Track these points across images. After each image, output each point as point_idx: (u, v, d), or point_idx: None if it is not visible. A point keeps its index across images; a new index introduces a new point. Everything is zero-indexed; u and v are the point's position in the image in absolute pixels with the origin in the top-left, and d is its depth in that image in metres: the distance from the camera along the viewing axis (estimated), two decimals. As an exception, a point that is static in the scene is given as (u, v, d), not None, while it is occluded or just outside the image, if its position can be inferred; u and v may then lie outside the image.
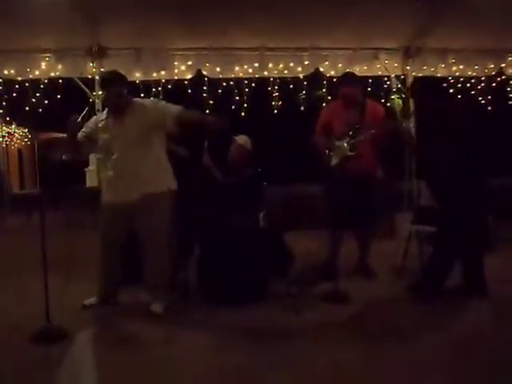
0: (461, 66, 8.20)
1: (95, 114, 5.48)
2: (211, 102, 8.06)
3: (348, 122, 5.72)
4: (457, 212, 5.02)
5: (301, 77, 7.96)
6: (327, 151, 5.82)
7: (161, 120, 4.93)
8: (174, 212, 5.02)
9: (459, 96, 8.68)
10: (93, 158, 7.02)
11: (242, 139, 6.00)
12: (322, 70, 7.88)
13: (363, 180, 5.76)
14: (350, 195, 5.56)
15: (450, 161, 4.98)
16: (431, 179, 5.42)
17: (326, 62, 7.72)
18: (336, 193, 5.67)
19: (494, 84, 8.68)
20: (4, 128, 17.99)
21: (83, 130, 4.98)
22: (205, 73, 7.68)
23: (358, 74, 7.86)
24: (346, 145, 5.73)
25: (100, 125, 4.96)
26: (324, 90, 8.07)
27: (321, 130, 6.02)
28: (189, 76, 7.70)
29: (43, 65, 7.25)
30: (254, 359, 3.88)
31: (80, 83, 7.42)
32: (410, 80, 8.14)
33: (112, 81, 4.97)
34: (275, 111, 8.37)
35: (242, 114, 8.18)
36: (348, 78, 6.12)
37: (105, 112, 5.04)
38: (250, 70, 7.81)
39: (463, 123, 5.03)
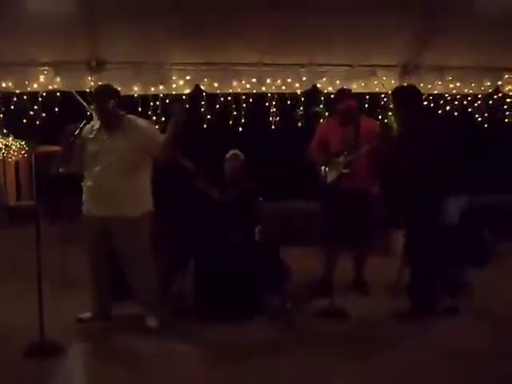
0: (458, 84, 8.22)
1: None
2: (209, 116, 8.08)
3: (344, 139, 5.72)
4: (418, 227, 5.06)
5: (299, 93, 7.98)
6: (322, 168, 5.84)
7: (149, 147, 4.93)
8: (150, 231, 5.03)
9: (455, 113, 8.73)
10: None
11: (234, 151, 6.14)
12: (319, 86, 7.89)
13: (359, 197, 5.79)
14: (345, 212, 5.56)
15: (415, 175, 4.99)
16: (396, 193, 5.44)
17: (324, 79, 7.73)
18: (332, 210, 5.64)
19: (490, 101, 8.71)
20: (1, 140, 18.00)
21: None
22: (203, 88, 7.69)
23: (356, 90, 7.92)
24: (341, 162, 5.74)
25: (91, 135, 4.96)
26: (321, 106, 8.09)
27: (317, 147, 6.04)
28: (187, 91, 7.71)
29: (41, 78, 7.24)
30: (249, 374, 3.87)
31: (78, 97, 7.42)
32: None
33: (99, 95, 4.99)
34: (273, 127, 8.39)
35: (240, 129, 8.18)
36: (345, 94, 6.16)
37: (98, 123, 5.03)
38: (248, 86, 7.81)
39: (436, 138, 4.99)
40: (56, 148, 5.18)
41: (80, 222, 5.10)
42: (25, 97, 7.47)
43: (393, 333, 4.72)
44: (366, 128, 5.81)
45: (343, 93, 6.23)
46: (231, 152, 6.21)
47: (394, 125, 5.75)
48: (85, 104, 7.34)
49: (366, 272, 6.20)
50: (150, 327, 4.90)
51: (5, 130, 13.47)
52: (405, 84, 6.97)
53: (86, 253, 5.11)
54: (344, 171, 5.71)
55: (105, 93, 5.01)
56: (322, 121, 7.53)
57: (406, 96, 5.31)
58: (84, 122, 4.86)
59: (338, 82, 7.78)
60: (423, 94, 5.79)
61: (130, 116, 5.16)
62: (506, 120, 9.03)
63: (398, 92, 5.53)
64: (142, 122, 5.17)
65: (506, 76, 8.26)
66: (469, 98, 8.73)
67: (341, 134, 5.81)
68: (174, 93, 7.77)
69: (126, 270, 5.00)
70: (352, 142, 5.69)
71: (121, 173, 4.84)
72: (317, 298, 5.66)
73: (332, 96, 7.10)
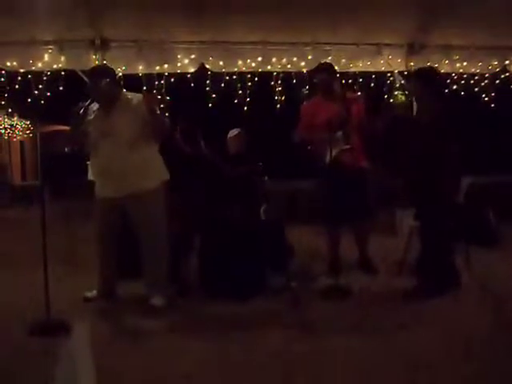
0: (464, 63, 8.16)
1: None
2: (214, 95, 8.04)
3: (333, 115, 5.65)
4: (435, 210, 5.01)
5: (304, 71, 7.93)
6: (319, 147, 5.75)
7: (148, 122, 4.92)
8: (166, 203, 5.03)
9: (462, 93, 8.67)
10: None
11: (236, 130, 6.21)
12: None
13: (356, 172, 5.75)
14: (345, 189, 5.52)
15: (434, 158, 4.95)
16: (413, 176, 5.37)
17: (330, 57, 7.69)
18: (331, 187, 5.58)
19: (497, 81, 8.65)
20: (6, 120, 18.02)
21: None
22: (208, 66, 7.65)
23: (361, 69, 7.89)
24: (340, 138, 5.68)
25: (91, 117, 4.93)
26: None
27: (305, 127, 5.95)
28: (192, 70, 7.67)
29: (46, 57, 7.22)
30: (253, 352, 3.89)
31: (82, 75, 7.40)
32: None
33: (94, 75, 4.97)
34: (278, 106, 8.35)
35: (245, 108, 8.15)
36: (322, 68, 6.11)
37: (95, 105, 4.99)
38: (254, 65, 7.78)
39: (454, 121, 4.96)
40: (61, 127, 5.18)
41: (84, 201, 5.10)
42: (29, 76, 7.45)
43: (397, 311, 4.73)
44: (352, 103, 5.77)
45: (321, 67, 6.17)
46: (233, 131, 6.21)
47: (401, 103, 5.71)
48: (88, 86, 7.31)
49: (371, 250, 6.19)
50: (155, 306, 4.91)
51: (10, 110, 13.46)
52: (426, 65, 6.88)
53: (97, 234, 5.12)
54: (346, 147, 5.67)
55: (99, 73, 5.02)
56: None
57: (430, 78, 5.22)
58: (89, 101, 4.84)
59: (343, 60, 7.73)
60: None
61: (129, 93, 5.16)
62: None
63: (423, 74, 5.38)
64: (139, 97, 5.18)
65: (514, 55, 8.21)
66: (476, 78, 8.66)
67: (327, 110, 5.71)
68: (178, 71, 7.74)
69: (139, 246, 5.00)
70: (342, 118, 5.63)
71: (127, 150, 4.82)
72: (321, 277, 5.68)
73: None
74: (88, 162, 6.61)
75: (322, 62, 6.79)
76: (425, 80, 5.17)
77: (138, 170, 4.87)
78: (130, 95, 5.10)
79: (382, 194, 6.20)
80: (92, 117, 4.93)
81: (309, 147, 5.90)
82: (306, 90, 8.01)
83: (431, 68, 5.54)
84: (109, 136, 4.83)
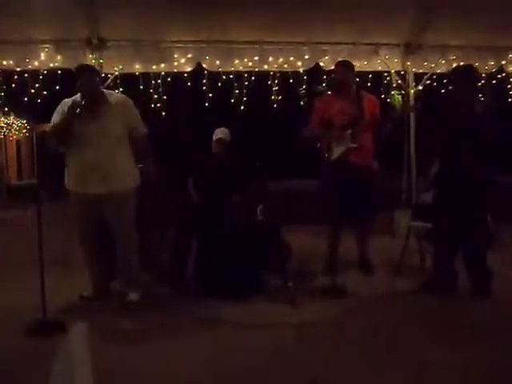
0: (461, 63, 8.16)
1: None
2: (210, 95, 8.03)
3: (346, 112, 5.65)
4: (456, 209, 5.01)
5: (301, 71, 7.92)
6: (326, 144, 5.76)
7: (131, 124, 5.03)
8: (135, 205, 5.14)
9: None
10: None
11: (219, 130, 6.07)
12: (322, 64, 7.84)
13: (363, 172, 5.74)
14: (350, 188, 5.51)
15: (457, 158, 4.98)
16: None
17: (327, 57, 7.69)
18: (337, 186, 5.53)
19: (494, 81, 8.66)
20: (2, 119, 17.96)
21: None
22: (204, 66, 7.65)
23: (358, 69, 7.87)
24: (348, 136, 5.67)
25: (77, 111, 4.87)
26: (324, 85, 8.02)
27: (317, 123, 5.94)
28: (188, 69, 7.66)
29: (42, 55, 7.21)
30: (249, 353, 3.89)
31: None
32: (410, 76, 8.15)
33: (83, 73, 4.97)
34: (275, 105, 8.34)
35: (242, 107, 8.14)
36: (340, 65, 6.09)
37: (79, 98, 4.95)
38: (250, 64, 7.77)
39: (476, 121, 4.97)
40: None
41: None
42: (26, 75, 7.43)
43: (394, 311, 4.73)
44: (367, 102, 5.78)
45: (339, 64, 6.13)
46: (218, 135, 6.05)
47: (398, 103, 5.71)
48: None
49: (370, 251, 6.19)
50: (131, 301, 5.02)
51: (6, 109, 13.42)
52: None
53: (77, 231, 5.15)
54: (352, 146, 5.65)
55: (86, 70, 5.05)
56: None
57: (468, 75, 5.24)
58: (84, 100, 4.82)
59: (340, 59, 7.71)
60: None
61: (110, 91, 5.27)
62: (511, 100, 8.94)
63: (462, 71, 5.40)
64: (123, 96, 5.31)
65: (510, 55, 8.22)
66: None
67: (340, 108, 5.73)
68: (175, 71, 7.73)
69: (116, 244, 5.10)
70: (355, 116, 5.63)
71: (111, 148, 4.89)
72: (319, 277, 5.67)
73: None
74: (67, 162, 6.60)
75: (340, 59, 6.75)
76: (462, 76, 5.22)
77: (117, 172, 4.94)
78: (113, 93, 5.22)
79: (381, 194, 6.18)
80: (77, 113, 4.89)
81: (318, 145, 5.89)
82: (302, 89, 8.00)
83: (467, 65, 5.57)
84: (93, 134, 4.85)
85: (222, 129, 6.11)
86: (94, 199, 4.92)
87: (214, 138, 6.04)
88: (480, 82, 5.56)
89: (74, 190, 5.05)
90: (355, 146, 5.63)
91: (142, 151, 5.17)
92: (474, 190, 5.01)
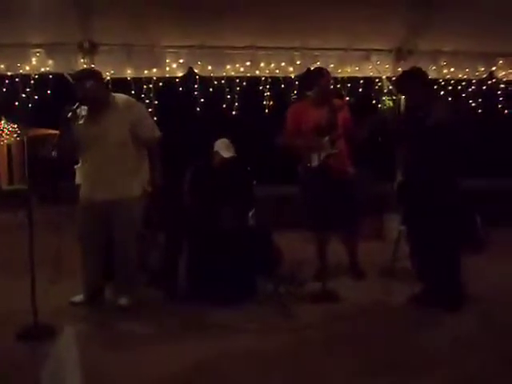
0: (452, 69, 8.21)
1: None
2: (202, 100, 8.04)
3: (321, 120, 5.65)
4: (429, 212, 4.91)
5: (292, 76, 7.94)
6: (305, 152, 5.75)
7: (137, 127, 4.99)
8: (143, 211, 5.13)
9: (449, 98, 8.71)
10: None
11: (223, 144, 5.96)
12: (311, 70, 7.85)
13: (342, 178, 5.77)
14: (330, 195, 5.47)
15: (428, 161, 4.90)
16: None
17: (318, 63, 7.70)
18: (316, 193, 5.52)
19: (484, 87, 8.71)
20: (-7, 123, 17.91)
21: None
22: (196, 71, 7.66)
23: (350, 74, 7.91)
24: (326, 142, 5.67)
25: (80, 120, 4.92)
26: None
27: (293, 130, 5.92)
28: (180, 74, 7.67)
29: (34, 60, 7.19)
30: (241, 357, 3.89)
31: (70, 79, 7.36)
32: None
33: (84, 76, 4.96)
34: (266, 110, 8.35)
35: (233, 112, 8.15)
36: (319, 72, 6.11)
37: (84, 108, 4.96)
38: (242, 69, 7.78)
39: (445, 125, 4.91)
40: (48, 131, 5.16)
41: (73, 205, 5.10)
42: (17, 79, 7.41)
43: (385, 316, 4.75)
44: (339, 107, 5.80)
45: (325, 73, 6.09)
46: (220, 151, 5.93)
47: (389, 109, 5.73)
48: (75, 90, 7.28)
49: (360, 256, 6.20)
50: (122, 305, 5.01)
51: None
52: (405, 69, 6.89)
53: (78, 237, 5.13)
54: (334, 151, 5.65)
55: (85, 75, 5.03)
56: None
57: (416, 76, 5.21)
58: (77, 104, 4.82)
59: (332, 65, 7.75)
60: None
61: (117, 94, 5.17)
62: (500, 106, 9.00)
63: (407, 75, 5.35)
64: (130, 99, 5.22)
65: (500, 61, 8.27)
66: (463, 84, 8.71)
67: (316, 115, 5.71)
68: (167, 76, 7.73)
69: (115, 248, 5.07)
70: (330, 122, 5.62)
71: (117, 154, 4.86)
72: (309, 282, 5.68)
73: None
74: (76, 166, 6.62)
75: (318, 67, 6.78)
76: (408, 79, 5.20)
77: (124, 178, 4.92)
78: (120, 96, 5.13)
79: (369, 199, 6.20)
80: (81, 121, 4.91)
81: (295, 151, 5.89)
82: (294, 94, 8.02)
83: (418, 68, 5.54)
84: (98, 139, 4.83)
85: (226, 143, 5.97)
86: (100, 205, 4.92)
87: (216, 150, 5.94)
88: (430, 84, 5.43)
89: (81, 194, 5.08)
90: (336, 151, 5.65)
91: (150, 155, 5.12)
92: (434, 197, 4.86)
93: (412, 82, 5.13)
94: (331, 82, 6.08)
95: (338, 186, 5.66)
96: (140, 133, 4.99)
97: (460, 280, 4.88)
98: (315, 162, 5.63)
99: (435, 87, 8.21)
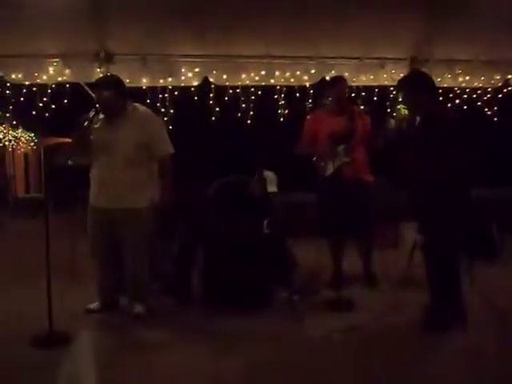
0: (467, 77, 8.18)
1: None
2: (217, 109, 8.07)
3: (339, 127, 5.65)
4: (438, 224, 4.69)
5: (307, 85, 7.96)
6: (320, 161, 5.79)
7: (152, 139, 4.98)
8: (153, 221, 5.10)
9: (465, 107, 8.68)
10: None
11: (269, 179, 6.24)
12: (328, 79, 7.87)
13: (357, 186, 5.76)
14: (345, 204, 5.44)
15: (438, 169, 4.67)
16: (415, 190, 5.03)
17: (333, 71, 7.71)
18: (331, 202, 5.54)
19: (500, 95, 8.67)
20: (11, 132, 18.07)
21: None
22: (211, 80, 7.69)
23: (364, 83, 7.91)
24: (341, 151, 5.68)
25: (96, 126, 4.95)
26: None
27: (309, 139, 5.98)
28: (195, 83, 7.70)
29: (51, 70, 7.25)
30: (255, 366, 3.89)
31: (87, 88, 7.42)
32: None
33: (100, 85, 5.00)
34: (281, 119, 8.37)
35: (249, 121, 8.17)
36: (337, 81, 6.14)
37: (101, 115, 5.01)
38: (257, 78, 7.80)
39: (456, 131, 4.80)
40: (65, 140, 5.21)
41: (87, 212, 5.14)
42: (34, 88, 7.48)
43: (399, 325, 4.72)
44: (359, 115, 5.82)
45: (340, 81, 6.16)
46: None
47: (404, 117, 5.70)
48: (93, 95, 7.34)
49: (375, 264, 6.18)
50: (136, 313, 5.01)
51: (14, 122, 13.51)
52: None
53: (90, 243, 5.16)
54: (346, 160, 5.66)
55: (105, 83, 5.04)
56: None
57: (419, 80, 5.08)
58: (93, 112, 4.86)
59: (346, 74, 7.74)
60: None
61: (137, 104, 5.17)
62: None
63: (410, 78, 5.24)
64: (149, 112, 5.20)
65: (516, 70, 8.23)
66: (478, 92, 8.67)
67: (333, 124, 5.73)
68: (182, 85, 7.77)
69: (125, 258, 5.07)
70: (348, 132, 5.63)
71: (126, 163, 4.86)
72: (325, 290, 5.67)
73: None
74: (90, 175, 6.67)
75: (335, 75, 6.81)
76: (411, 82, 5.04)
77: (133, 187, 4.93)
78: (139, 107, 5.14)
79: (386, 207, 6.18)
80: (97, 125, 4.95)
81: (314, 159, 5.92)
82: (309, 103, 8.03)
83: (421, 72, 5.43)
84: (111, 147, 4.86)
85: (271, 178, 6.24)
86: (107, 213, 4.94)
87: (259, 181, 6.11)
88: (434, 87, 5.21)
89: (90, 203, 5.10)
90: (348, 160, 5.65)
91: (161, 171, 5.10)
92: (433, 205, 4.65)
93: (416, 89, 4.90)
94: (347, 89, 6.08)
95: (353, 195, 5.64)
96: (153, 147, 4.99)
97: (459, 292, 4.69)
98: (330, 171, 5.65)
99: (450, 95, 8.22)
